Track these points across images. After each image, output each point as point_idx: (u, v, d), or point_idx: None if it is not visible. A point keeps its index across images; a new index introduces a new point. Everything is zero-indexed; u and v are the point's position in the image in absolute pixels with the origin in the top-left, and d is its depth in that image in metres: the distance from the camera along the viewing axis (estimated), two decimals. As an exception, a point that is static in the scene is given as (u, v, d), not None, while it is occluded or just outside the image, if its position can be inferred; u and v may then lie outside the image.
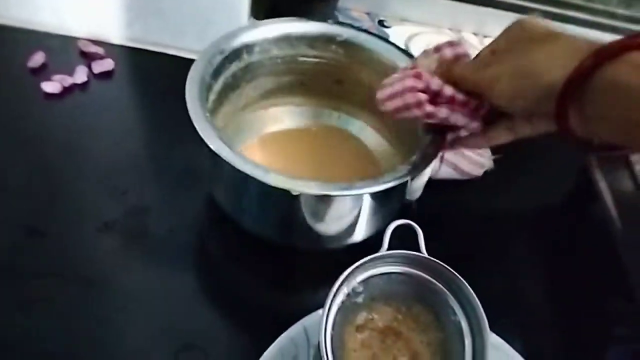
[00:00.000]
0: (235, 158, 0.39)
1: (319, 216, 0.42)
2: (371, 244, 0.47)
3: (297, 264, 0.49)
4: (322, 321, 0.31)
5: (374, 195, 0.42)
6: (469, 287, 0.33)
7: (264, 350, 0.40)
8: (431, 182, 0.51)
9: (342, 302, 0.33)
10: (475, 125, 0.40)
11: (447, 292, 0.34)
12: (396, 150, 0.53)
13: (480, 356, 0.32)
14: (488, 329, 0.32)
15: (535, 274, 0.51)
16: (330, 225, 0.43)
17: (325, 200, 0.41)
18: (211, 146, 0.39)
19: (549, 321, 0.48)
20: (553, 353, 0.46)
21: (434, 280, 0.34)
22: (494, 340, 0.39)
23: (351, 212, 0.43)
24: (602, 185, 0.53)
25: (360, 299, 0.34)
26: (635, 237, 0.49)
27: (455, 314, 0.34)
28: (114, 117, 0.59)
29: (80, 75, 0.61)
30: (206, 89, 0.44)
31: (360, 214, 0.43)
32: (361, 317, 0.34)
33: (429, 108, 0.37)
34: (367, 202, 0.42)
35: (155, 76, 0.63)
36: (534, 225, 0.56)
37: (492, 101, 0.35)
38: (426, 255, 0.34)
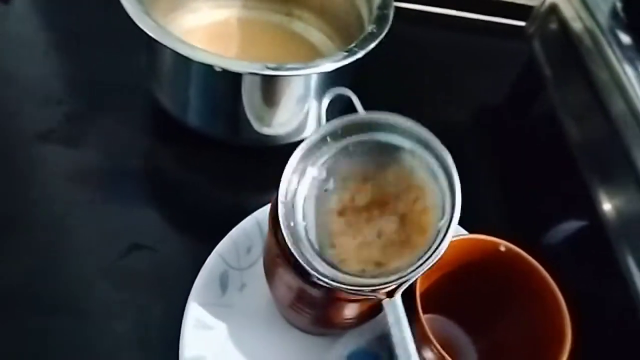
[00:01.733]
0: (165, 37, 0.37)
1: (263, 104, 0.41)
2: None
3: (247, 161, 0.47)
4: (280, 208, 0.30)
5: (321, 82, 0.41)
6: (420, 125, 0.31)
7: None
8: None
9: (315, 193, 0.31)
10: None
11: (406, 140, 0.32)
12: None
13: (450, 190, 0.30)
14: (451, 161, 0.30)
15: (486, 169, 0.52)
16: (276, 115, 0.42)
17: (269, 85, 0.39)
18: (141, 26, 0.37)
19: (499, 201, 0.49)
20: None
21: (389, 135, 0.32)
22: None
23: (296, 101, 0.42)
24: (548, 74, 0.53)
25: (330, 185, 0.32)
26: (583, 125, 0.49)
27: (428, 163, 0.31)
28: (42, 29, 0.55)
29: (1, -15, 0.56)
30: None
31: (309, 105, 0.42)
32: (339, 201, 0.32)
33: None
34: (313, 89, 0.41)
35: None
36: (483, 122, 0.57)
37: None
38: (364, 112, 0.33)
